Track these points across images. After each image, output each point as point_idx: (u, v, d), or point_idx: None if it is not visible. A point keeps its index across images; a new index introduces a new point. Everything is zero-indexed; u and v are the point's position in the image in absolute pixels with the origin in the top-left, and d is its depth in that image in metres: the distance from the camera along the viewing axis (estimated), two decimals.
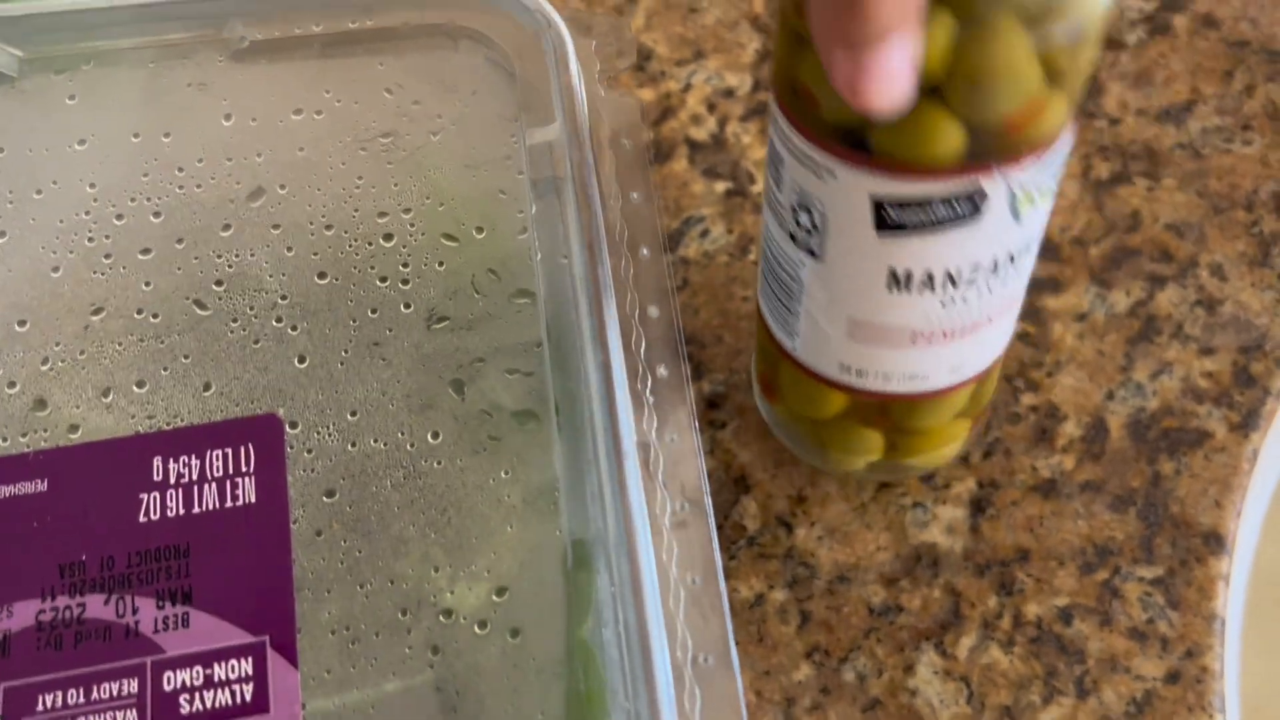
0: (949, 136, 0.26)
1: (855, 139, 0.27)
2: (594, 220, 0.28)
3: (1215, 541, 0.37)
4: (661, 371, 0.28)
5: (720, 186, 0.45)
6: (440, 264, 0.29)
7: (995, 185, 0.27)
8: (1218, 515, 0.38)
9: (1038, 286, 0.42)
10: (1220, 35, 0.49)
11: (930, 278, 0.28)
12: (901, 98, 0.21)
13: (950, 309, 0.29)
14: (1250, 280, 0.42)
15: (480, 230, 0.30)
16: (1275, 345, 0.41)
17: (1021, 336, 0.41)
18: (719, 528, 0.38)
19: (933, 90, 0.25)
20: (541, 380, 0.28)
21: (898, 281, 0.29)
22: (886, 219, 0.27)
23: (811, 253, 0.30)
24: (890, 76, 0.20)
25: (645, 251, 0.29)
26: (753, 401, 0.40)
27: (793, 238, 0.30)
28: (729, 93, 0.47)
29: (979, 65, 0.24)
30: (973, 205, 0.27)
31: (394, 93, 0.32)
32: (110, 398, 0.28)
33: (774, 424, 0.38)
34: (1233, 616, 0.38)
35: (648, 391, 0.27)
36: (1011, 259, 0.29)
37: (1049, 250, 0.43)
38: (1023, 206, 0.28)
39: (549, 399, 0.27)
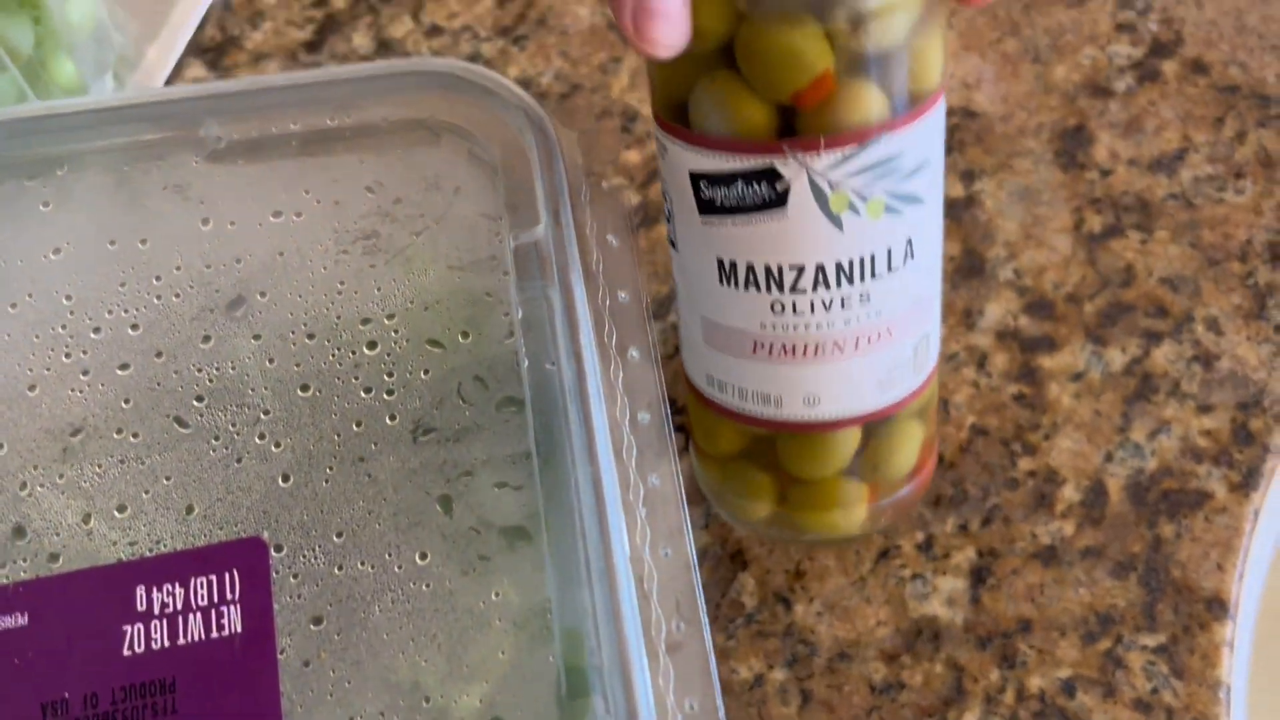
0: (742, 108, 0.27)
1: (680, 114, 0.28)
2: (580, 325, 0.28)
3: (1218, 606, 0.37)
4: (654, 480, 0.27)
5: None
6: (425, 372, 0.29)
7: (792, 170, 0.27)
8: (1220, 579, 0.37)
9: (1033, 346, 0.42)
10: (1210, 81, 0.48)
11: (752, 271, 0.29)
12: (677, 36, 0.24)
13: (783, 317, 0.29)
14: (1246, 334, 0.42)
15: (466, 335, 0.29)
16: (1274, 401, 0.41)
17: (1018, 398, 0.41)
18: (715, 605, 0.37)
19: (730, 59, 0.27)
20: (531, 494, 0.27)
21: (726, 274, 0.29)
22: (701, 196, 0.28)
23: (674, 245, 0.31)
24: (664, 16, 0.23)
25: (634, 353, 0.29)
26: None
27: (669, 235, 0.31)
28: None
29: (756, 34, 0.26)
30: (773, 189, 0.27)
31: (375, 191, 0.31)
32: (91, 524, 0.27)
33: (696, 473, 0.38)
34: (1238, 683, 0.37)
35: (640, 503, 0.27)
36: (845, 274, 0.29)
37: (1043, 308, 0.43)
38: (836, 208, 0.28)
39: (539, 514, 0.26)
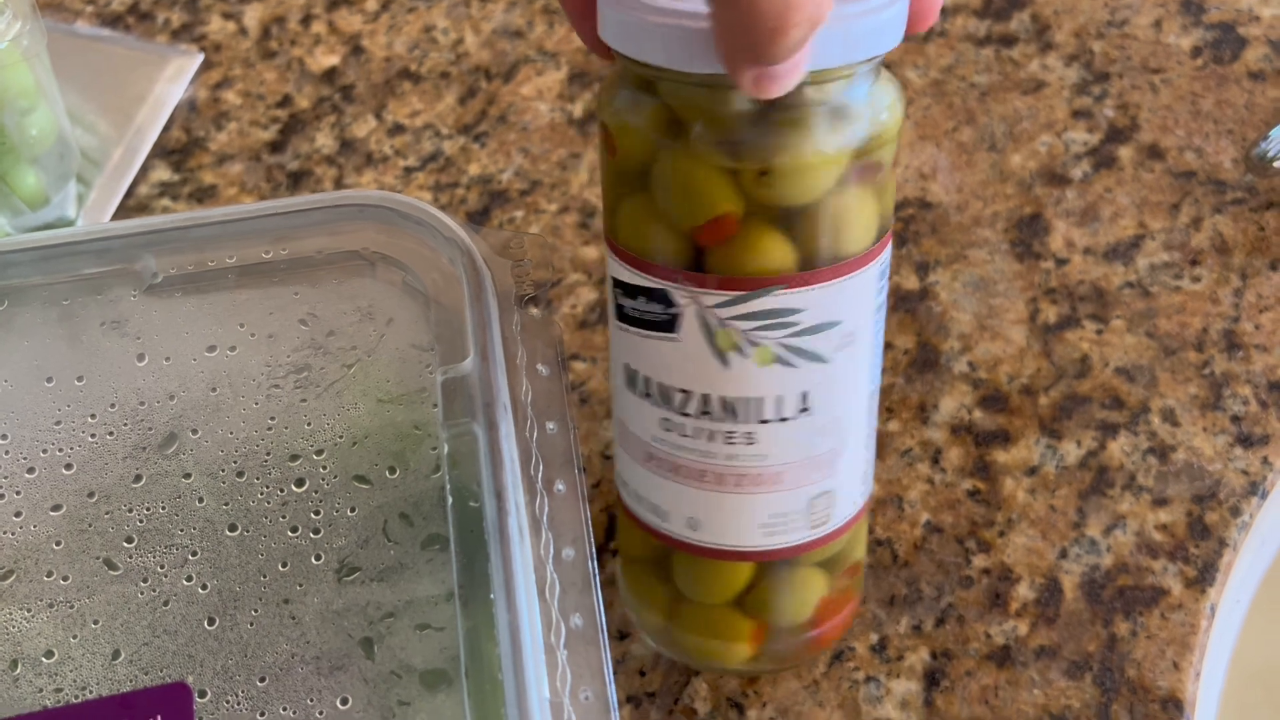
0: (649, 230, 0.28)
1: (611, 227, 0.29)
2: (505, 463, 0.28)
3: (1174, 707, 0.37)
4: (576, 621, 0.27)
5: None
6: (352, 509, 0.29)
7: (684, 300, 0.28)
8: (1176, 678, 0.37)
9: (987, 440, 0.42)
10: (1166, 166, 0.48)
11: (649, 384, 0.30)
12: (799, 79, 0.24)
13: (671, 435, 0.30)
14: (1203, 424, 0.42)
15: (393, 470, 0.30)
16: (1229, 493, 0.40)
17: (972, 494, 0.41)
18: (668, 712, 0.37)
19: (648, 182, 0.27)
20: (453, 636, 0.27)
21: (630, 379, 0.30)
22: (618, 301, 0.29)
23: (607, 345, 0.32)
24: (796, 73, 0.24)
25: (560, 487, 0.29)
26: None
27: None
28: None
29: (668, 165, 0.27)
30: (665, 313, 0.28)
31: (309, 323, 0.32)
32: (19, 670, 0.28)
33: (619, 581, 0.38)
34: None
35: (561, 644, 0.27)
36: (730, 410, 0.29)
37: (997, 401, 0.43)
38: (723, 345, 0.28)
39: (460, 657, 0.27)
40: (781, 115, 0.26)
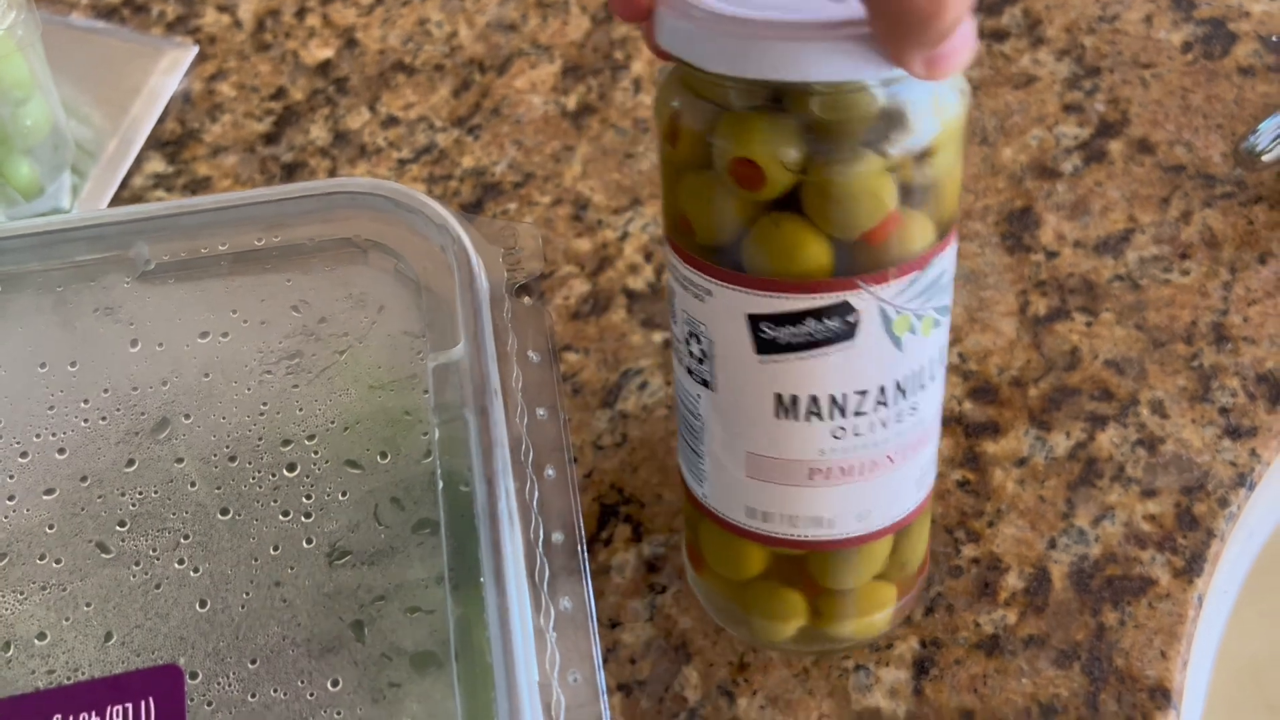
0: (811, 249, 0.27)
1: (732, 260, 0.28)
2: (496, 448, 0.28)
3: (1161, 696, 0.37)
4: (565, 604, 0.27)
5: (658, 337, 0.45)
6: (343, 494, 0.29)
7: (865, 302, 0.27)
8: (1164, 668, 0.37)
9: (976, 431, 0.42)
10: (1156, 160, 0.49)
11: (815, 402, 0.29)
12: (970, 57, 0.24)
13: (844, 441, 0.29)
14: (1191, 416, 0.42)
15: (384, 455, 0.30)
16: (1217, 484, 0.41)
17: (961, 484, 0.41)
18: (659, 700, 0.37)
19: (793, 203, 0.26)
20: (443, 619, 0.27)
21: (784, 408, 0.29)
22: (763, 337, 0.28)
23: (705, 384, 0.30)
24: (964, 51, 0.24)
25: (550, 472, 0.29)
26: None
27: (690, 372, 0.31)
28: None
29: (830, 180, 0.26)
30: (845, 322, 0.27)
31: (301, 310, 0.32)
32: (11, 651, 0.28)
33: (700, 594, 0.38)
34: None
35: (550, 627, 0.27)
36: (901, 390, 0.29)
37: (987, 393, 0.43)
38: (899, 330, 0.28)
39: (449, 640, 0.27)
40: (921, 100, 0.26)
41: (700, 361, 0.30)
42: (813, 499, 0.31)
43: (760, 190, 0.26)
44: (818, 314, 0.27)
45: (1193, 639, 0.39)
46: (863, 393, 0.29)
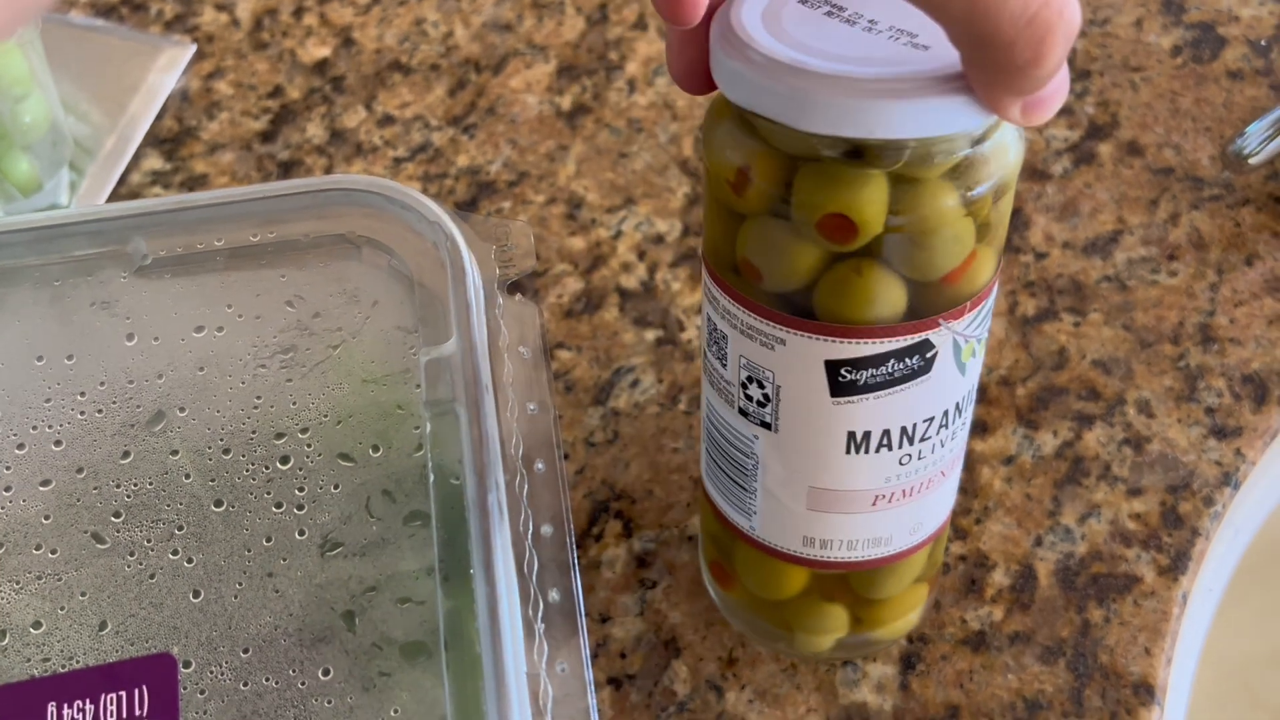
0: (894, 295, 0.26)
1: (802, 307, 0.27)
2: (486, 442, 0.29)
3: (1145, 692, 0.37)
4: (553, 596, 0.28)
5: (650, 335, 0.45)
6: (336, 486, 0.30)
7: (942, 338, 0.27)
8: (1148, 664, 0.38)
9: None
10: (1145, 163, 0.49)
11: (887, 435, 0.29)
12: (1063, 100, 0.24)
13: (909, 466, 0.30)
14: (1177, 416, 0.43)
15: (376, 449, 0.30)
16: (1203, 484, 0.41)
17: None
18: (648, 694, 0.38)
19: (873, 250, 0.26)
20: (433, 610, 0.28)
21: (856, 444, 0.29)
22: (841, 381, 0.28)
23: (765, 425, 0.30)
24: (1060, 95, 0.24)
25: (540, 465, 0.30)
26: (684, 559, 0.40)
27: (743, 413, 0.30)
28: (659, 239, 0.48)
29: (917, 225, 0.25)
30: (924, 359, 0.28)
31: (295, 305, 0.32)
32: (6, 640, 0.28)
33: (730, 613, 0.38)
34: None
35: (539, 618, 0.27)
36: (959, 410, 0.30)
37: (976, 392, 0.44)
38: (965, 357, 0.29)
39: (439, 631, 0.27)
40: (1000, 142, 0.26)
41: (762, 405, 0.30)
42: (873, 522, 0.31)
43: (851, 243, 0.26)
44: (899, 355, 0.27)
45: (1177, 636, 0.39)
46: (930, 419, 0.29)
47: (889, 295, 0.26)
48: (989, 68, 0.22)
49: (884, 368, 0.28)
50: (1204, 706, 0.44)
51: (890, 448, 0.29)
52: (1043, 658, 0.38)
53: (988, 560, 0.40)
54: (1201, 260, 0.46)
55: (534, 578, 0.28)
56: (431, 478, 0.29)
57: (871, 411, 0.28)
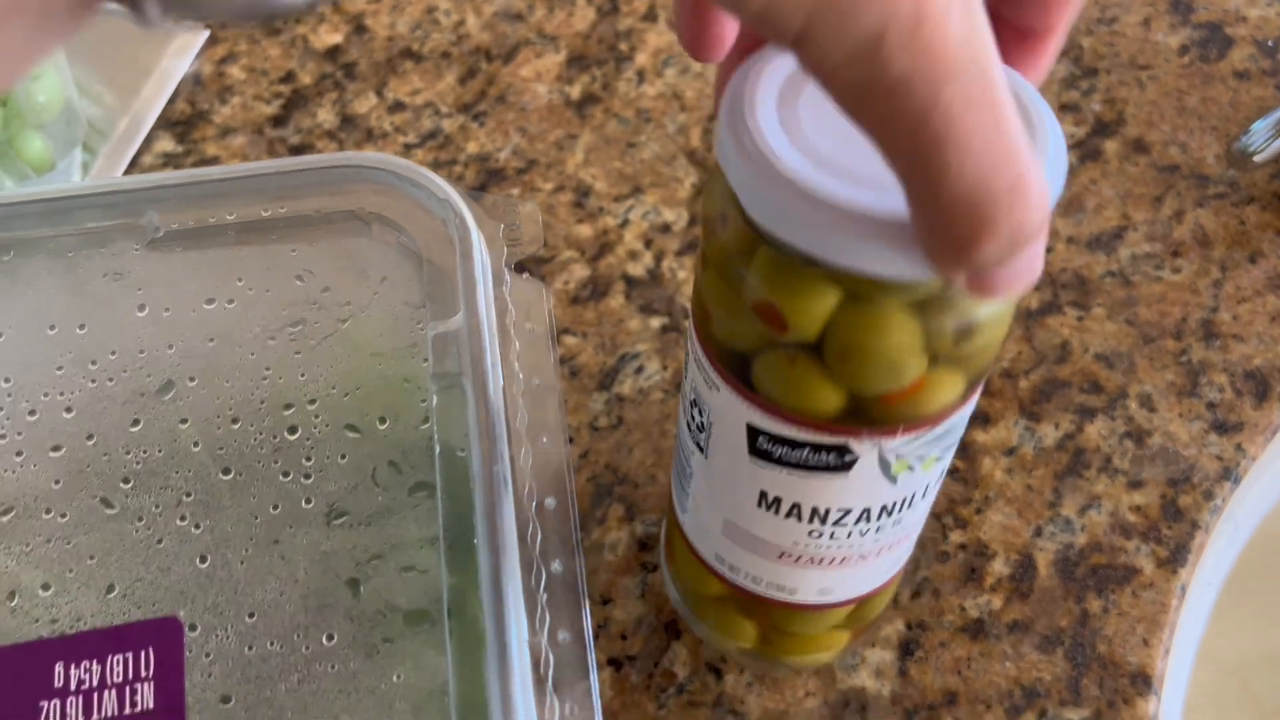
0: (822, 395, 0.26)
1: (739, 367, 0.27)
2: (492, 415, 0.29)
3: (1143, 682, 0.38)
4: (556, 567, 0.28)
5: (656, 322, 0.46)
6: (343, 457, 0.30)
7: (866, 449, 0.27)
8: (1146, 654, 0.38)
9: (968, 421, 0.43)
10: (1150, 160, 0.49)
11: (797, 508, 0.29)
12: (1033, 281, 0.21)
13: (819, 540, 0.30)
14: (1179, 410, 0.43)
15: (383, 421, 0.31)
16: (1203, 477, 0.41)
17: (951, 472, 0.42)
18: (648, 675, 0.38)
19: (814, 348, 0.25)
20: (436, 579, 0.28)
21: (767, 503, 0.29)
22: (758, 446, 0.28)
23: (700, 448, 0.30)
24: (1024, 275, 0.21)
25: (545, 440, 0.30)
26: None
27: (688, 425, 0.31)
28: (665, 228, 0.48)
29: (852, 341, 0.24)
30: (841, 460, 0.27)
31: (305, 280, 0.33)
32: (15, 601, 0.29)
33: (668, 582, 0.39)
34: None
35: (541, 589, 0.28)
36: (887, 512, 0.29)
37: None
38: (897, 471, 0.28)
39: (442, 599, 0.28)
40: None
41: (700, 430, 0.30)
42: (779, 572, 0.31)
43: (782, 335, 0.25)
44: (816, 447, 0.27)
45: (1175, 628, 0.39)
46: (846, 510, 0.28)
47: (818, 393, 0.26)
48: (929, 229, 0.19)
49: (800, 452, 0.27)
50: (1205, 708, 0.45)
51: (799, 519, 0.29)
52: (1041, 646, 0.38)
53: (988, 549, 0.40)
54: (1205, 257, 0.47)
55: (537, 549, 0.28)
56: (437, 449, 0.29)
57: (784, 482, 0.28)
